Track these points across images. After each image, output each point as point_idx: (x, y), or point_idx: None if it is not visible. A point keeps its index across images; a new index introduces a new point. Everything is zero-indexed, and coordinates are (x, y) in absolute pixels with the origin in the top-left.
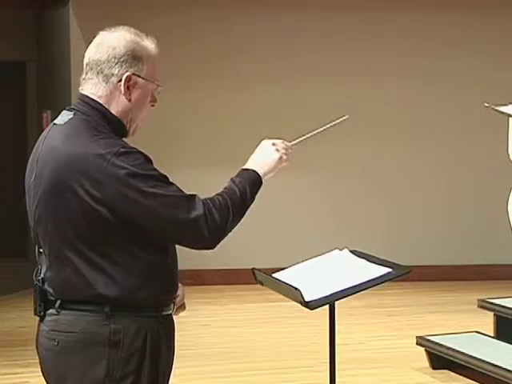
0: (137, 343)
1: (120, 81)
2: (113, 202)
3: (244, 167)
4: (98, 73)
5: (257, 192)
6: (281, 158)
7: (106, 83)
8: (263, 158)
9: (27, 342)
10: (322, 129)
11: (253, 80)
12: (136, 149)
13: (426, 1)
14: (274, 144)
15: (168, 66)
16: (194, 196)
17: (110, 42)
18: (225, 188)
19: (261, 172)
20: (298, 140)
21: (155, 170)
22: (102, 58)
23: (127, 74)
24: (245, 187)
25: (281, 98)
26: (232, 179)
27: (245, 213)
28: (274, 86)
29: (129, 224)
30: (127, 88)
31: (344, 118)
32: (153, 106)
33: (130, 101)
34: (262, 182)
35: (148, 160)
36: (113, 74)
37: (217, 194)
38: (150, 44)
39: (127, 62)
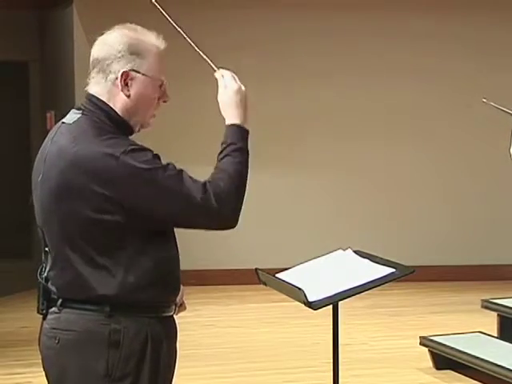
0: (136, 344)
1: (117, 78)
2: (124, 199)
3: (227, 123)
4: (99, 71)
5: (247, 143)
6: (239, 88)
7: (105, 81)
8: (235, 105)
9: (30, 342)
10: None
11: (252, 80)
12: (143, 146)
13: (427, 1)
14: (226, 82)
15: (169, 65)
16: (204, 184)
17: (109, 40)
18: (221, 155)
19: (243, 121)
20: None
21: (164, 164)
22: (101, 55)
23: (123, 70)
24: (238, 149)
25: (281, 97)
26: (223, 145)
27: (247, 171)
28: (274, 86)
29: (134, 224)
30: (126, 84)
31: None
32: (165, 101)
33: (128, 97)
34: (248, 131)
35: (156, 156)
36: (111, 72)
37: (218, 169)
38: (151, 39)
39: (124, 57)
